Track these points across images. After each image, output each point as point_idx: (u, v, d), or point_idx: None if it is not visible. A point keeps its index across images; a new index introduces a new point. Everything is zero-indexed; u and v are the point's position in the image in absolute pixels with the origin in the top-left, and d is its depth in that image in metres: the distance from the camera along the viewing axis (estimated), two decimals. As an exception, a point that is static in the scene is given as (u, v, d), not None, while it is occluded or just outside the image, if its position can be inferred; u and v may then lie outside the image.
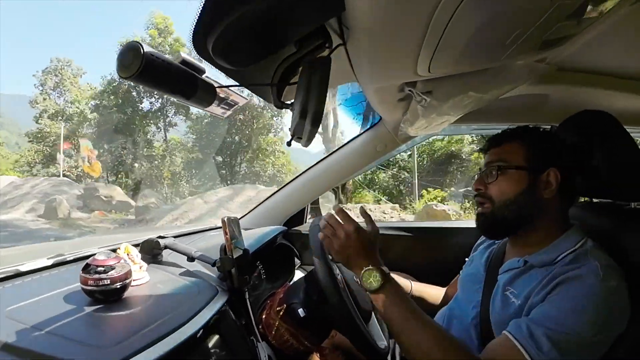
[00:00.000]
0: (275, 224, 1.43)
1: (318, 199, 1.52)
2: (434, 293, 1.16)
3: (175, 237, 1.13)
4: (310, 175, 1.38)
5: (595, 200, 0.97)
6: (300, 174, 1.42)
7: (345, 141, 1.34)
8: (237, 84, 0.54)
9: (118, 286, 0.66)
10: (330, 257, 1.04)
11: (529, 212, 0.80)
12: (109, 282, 0.64)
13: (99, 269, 0.65)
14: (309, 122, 0.40)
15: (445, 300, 1.15)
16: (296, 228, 1.50)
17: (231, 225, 0.86)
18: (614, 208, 0.89)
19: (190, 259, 0.91)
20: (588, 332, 0.64)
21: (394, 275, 1.12)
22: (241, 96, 0.59)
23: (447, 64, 0.57)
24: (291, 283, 1.10)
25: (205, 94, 0.48)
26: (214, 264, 0.87)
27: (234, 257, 0.84)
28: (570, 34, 0.56)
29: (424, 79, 0.66)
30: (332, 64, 0.45)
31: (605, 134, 0.82)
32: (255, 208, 1.47)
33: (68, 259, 0.86)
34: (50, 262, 0.82)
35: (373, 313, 1.01)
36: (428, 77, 0.64)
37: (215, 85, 0.52)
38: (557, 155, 0.80)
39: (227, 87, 0.53)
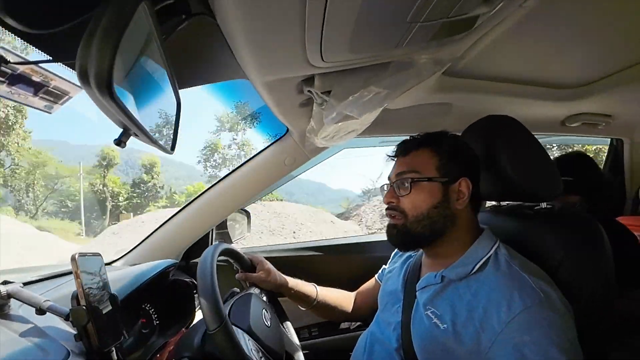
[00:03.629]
0: (171, 257, 1.20)
1: (225, 222, 1.33)
2: (341, 299, 1.11)
3: (29, 282, 0.86)
4: (211, 196, 1.20)
5: (502, 203, 0.98)
6: (199, 195, 1.22)
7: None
8: (48, 58, 0.37)
9: None
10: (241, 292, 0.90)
11: (443, 225, 0.76)
12: None
13: None
14: (94, 86, 0.26)
15: (358, 307, 1.11)
16: (197, 260, 1.29)
17: (86, 265, 0.65)
18: (523, 210, 0.90)
19: (40, 311, 0.67)
20: None
21: (298, 282, 1.04)
22: (70, 83, 0.42)
23: (340, 50, 0.49)
24: (189, 328, 0.91)
25: None
26: (67, 317, 0.65)
27: (94, 306, 0.63)
28: (462, 28, 0.53)
29: (321, 72, 0.58)
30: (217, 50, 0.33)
31: (509, 137, 0.83)
32: (143, 241, 1.21)
33: None
34: None
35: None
36: (324, 68, 0.56)
37: (13, 59, 0.35)
38: (467, 163, 0.78)
39: (28, 63, 0.36)
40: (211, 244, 1.33)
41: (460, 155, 0.79)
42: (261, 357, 0.72)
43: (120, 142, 0.32)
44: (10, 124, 17.85)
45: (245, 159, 1.20)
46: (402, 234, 0.79)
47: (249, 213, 1.49)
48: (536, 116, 1.24)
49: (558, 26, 0.75)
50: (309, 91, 0.69)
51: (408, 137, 0.85)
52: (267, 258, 1.05)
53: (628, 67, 0.98)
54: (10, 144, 18.48)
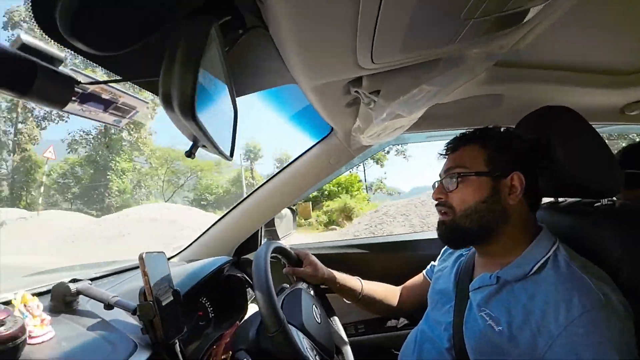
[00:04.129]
0: (223, 254, 1.27)
1: (273, 220, 1.38)
2: (386, 292, 1.11)
3: (96, 278, 0.95)
4: (260, 196, 1.25)
5: (560, 199, 0.93)
6: (248, 195, 1.27)
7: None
8: (119, 77, 0.41)
9: (10, 346, 0.51)
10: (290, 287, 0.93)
11: (493, 221, 0.73)
12: (-6, 344, 0.48)
13: (-16, 326, 0.49)
14: (178, 111, 0.28)
15: (403, 301, 1.11)
16: (248, 256, 1.35)
17: (152, 263, 0.71)
18: (582, 207, 0.84)
19: (108, 306, 0.74)
20: None
21: (344, 276, 1.05)
22: (137, 98, 0.46)
23: (391, 51, 0.49)
24: (242, 322, 0.96)
25: (54, 88, 0.35)
26: (134, 312, 0.71)
27: (159, 301, 0.69)
28: (518, 19, 0.50)
29: (370, 73, 0.57)
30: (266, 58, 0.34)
31: (568, 129, 0.78)
32: (197, 239, 1.29)
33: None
34: None
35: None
36: (373, 69, 0.55)
37: (83, 80, 0.39)
38: (519, 156, 0.75)
39: (99, 83, 0.40)
40: (260, 240, 1.39)
41: (512, 148, 0.76)
42: (315, 355, 0.74)
43: (190, 153, 0.34)
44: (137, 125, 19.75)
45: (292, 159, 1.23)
46: (451, 230, 0.78)
47: (295, 210, 1.53)
48: (593, 105, 1.14)
49: (613, 9, 0.70)
50: (356, 92, 0.69)
51: (456, 132, 0.83)
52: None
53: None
54: (139, 141, 20.45)
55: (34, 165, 19.47)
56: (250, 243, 1.34)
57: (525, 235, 0.74)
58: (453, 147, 0.81)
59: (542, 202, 0.92)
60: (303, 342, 0.73)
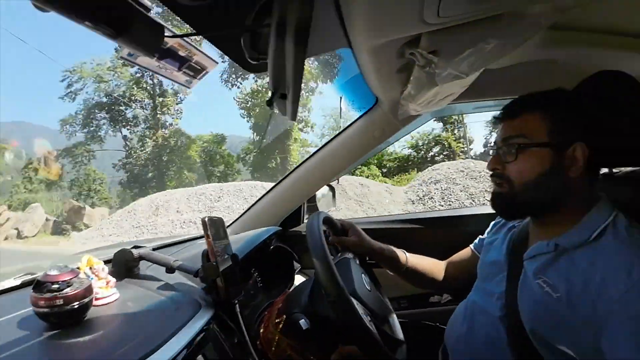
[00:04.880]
0: (270, 225, 1.31)
1: (315, 195, 1.41)
2: (431, 266, 1.10)
3: (156, 248, 1.02)
4: (303, 171, 1.27)
5: (615, 170, 0.89)
6: (292, 170, 1.30)
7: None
8: (194, 31, 0.42)
9: (76, 306, 0.54)
10: (336, 256, 0.94)
11: (553, 195, 0.71)
12: (62, 303, 0.52)
13: (53, 286, 0.54)
14: (290, 100, 0.29)
15: (449, 275, 1.09)
16: (293, 229, 1.38)
17: (213, 227, 0.75)
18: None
19: (170, 269, 0.79)
20: None
21: (389, 247, 1.06)
22: (209, 58, 0.48)
23: (459, 2, 0.47)
24: (291, 289, 1.00)
25: (147, 33, 0.36)
26: (196, 274, 0.76)
27: (219, 263, 0.73)
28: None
29: (432, 29, 0.56)
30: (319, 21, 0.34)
31: (627, 95, 0.73)
32: (245, 212, 1.35)
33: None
34: (18, 282, 0.72)
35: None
36: (437, 25, 0.54)
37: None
38: (584, 126, 0.70)
39: (180, 36, 0.41)
40: (303, 215, 1.42)
41: (576, 117, 0.71)
42: (370, 321, 0.76)
43: (271, 102, 0.35)
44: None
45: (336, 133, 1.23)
46: (508, 203, 0.76)
47: (334, 187, 1.54)
48: None
49: None
50: (411, 53, 0.67)
51: (505, 102, 0.78)
52: None
53: None
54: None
55: (185, 140, 18.35)
56: (294, 218, 1.38)
57: (584, 205, 0.71)
58: (512, 113, 0.76)
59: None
60: (358, 308, 0.75)
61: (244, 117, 19.20)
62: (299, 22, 0.29)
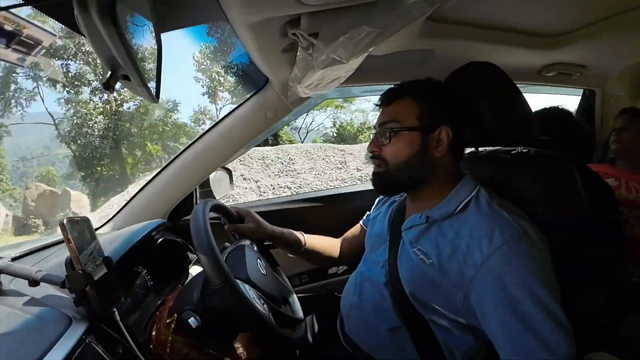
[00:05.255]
0: (156, 218, 1.18)
1: (208, 180, 1.31)
2: (328, 245, 1.16)
3: (17, 257, 0.83)
4: (192, 154, 1.16)
5: (480, 149, 1.02)
6: (178, 154, 1.17)
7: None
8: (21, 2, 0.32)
9: None
10: (225, 248, 0.90)
11: (422, 172, 0.79)
12: None
13: None
14: (136, 82, 0.23)
15: (344, 251, 1.17)
16: (186, 218, 1.27)
17: (76, 229, 0.63)
18: (500, 155, 0.94)
19: (33, 282, 0.66)
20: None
21: (287, 230, 1.08)
22: (44, 30, 0.37)
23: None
24: (184, 284, 0.93)
25: None
26: (63, 285, 0.64)
27: (88, 270, 0.62)
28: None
29: (309, 10, 0.54)
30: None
31: (490, 83, 0.84)
32: (126, 205, 1.18)
33: None
34: None
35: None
36: (313, 7, 0.52)
37: None
38: (450, 111, 0.80)
39: (3, 8, 0.31)
40: (195, 202, 1.31)
41: (443, 103, 0.80)
42: (263, 304, 0.76)
43: (108, 85, 0.29)
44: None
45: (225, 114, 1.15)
46: (384, 181, 0.83)
47: (231, 170, 1.46)
48: (515, 64, 1.25)
49: None
50: (293, 34, 0.65)
51: (390, 86, 0.84)
52: None
53: (603, 19, 1.00)
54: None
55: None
56: (186, 206, 1.27)
57: (450, 182, 0.81)
58: (388, 100, 0.83)
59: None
60: (250, 293, 0.74)
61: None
62: None
